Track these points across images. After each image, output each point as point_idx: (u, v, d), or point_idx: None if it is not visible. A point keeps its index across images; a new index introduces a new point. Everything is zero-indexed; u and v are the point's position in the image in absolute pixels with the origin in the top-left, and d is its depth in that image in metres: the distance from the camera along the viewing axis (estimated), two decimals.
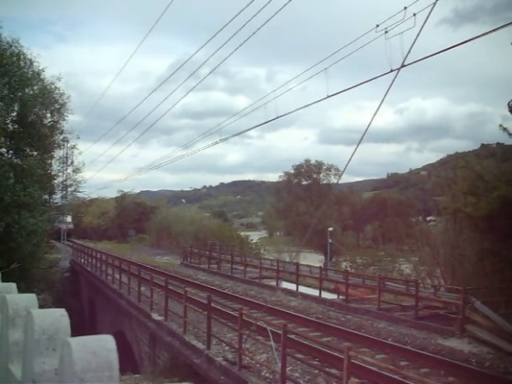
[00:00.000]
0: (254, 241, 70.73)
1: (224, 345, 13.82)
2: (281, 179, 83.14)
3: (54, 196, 44.04)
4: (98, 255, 34.89)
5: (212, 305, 14.51)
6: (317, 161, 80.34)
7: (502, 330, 14.29)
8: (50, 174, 37.55)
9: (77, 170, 44.45)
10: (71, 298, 37.20)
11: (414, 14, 9.61)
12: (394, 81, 7.97)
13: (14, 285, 7.85)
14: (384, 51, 9.95)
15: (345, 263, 51.65)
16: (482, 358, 13.37)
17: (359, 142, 9.91)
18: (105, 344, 3.78)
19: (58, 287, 38.04)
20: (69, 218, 70.31)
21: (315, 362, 12.11)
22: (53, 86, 34.46)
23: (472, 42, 8.59)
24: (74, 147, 42.08)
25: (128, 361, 18.58)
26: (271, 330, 11.34)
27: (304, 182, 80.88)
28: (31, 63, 32.36)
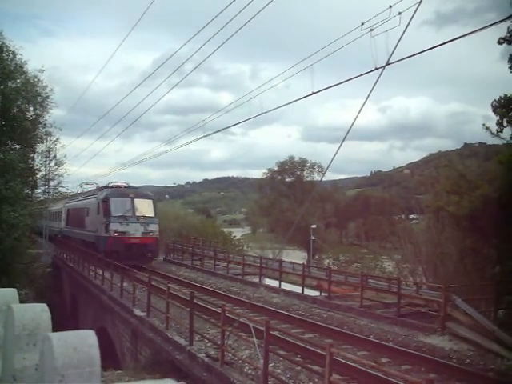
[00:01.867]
0: (237, 237, 70.70)
1: (206, 341, 13.80)
2: (264, 176, 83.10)
3: (36, 190, 43.66)
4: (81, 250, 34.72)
5: (194, 301, 14.47)
6: (300, 158, 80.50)
7: (483, 328, 14.42)
8: (32, 168, 37.25)
9: (59, 164, 44.11)
10: (53, 293, 36.92)
11: (400, 13, 9.64)
12: (378, 79, 7.99)
13: None
14: (369, 49, 9.98)
15: (328, 260, 51.93)
16: (463, 354, 13.47)
17: (343, 140, 9.93)
18: (86, 340, 3.75)
19: (40, 282, 37.78)
20: (148, 208, 33.18)
21: (297, 359, 12.13)
22: (36, 79, 34.16)
23: (454, 43, 8.64)
24: (56, 140, 41.70)
25: (110, 357, 18.49)
26: (254, 327, 11.34)
27: (287, 179, 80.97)
28: (14, 55, 32.02)
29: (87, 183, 48.32)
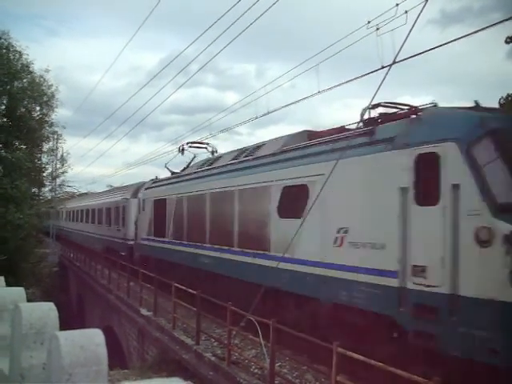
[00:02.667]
0: None
1: (213, 340, 13.80)
2: None
3: (43, 189, 43.63)
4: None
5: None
6: None
7: None
8: (38, 167, 37.26)
9: (63, 161, 43.95)
10: (60, 292, 37.07)
11: (406, 12, 9.64)
12: (385, 77, 7.95)
13: (1, 278, 7.78)
14: (375, 48, 9.95)
15: None
16: None
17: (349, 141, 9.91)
18: (93, 338, 3.74)
19: (47, 282, 37.87)
20: None
21: (304, 358, 12.09)
22: (42, 79, 34.19)
23: (459, 42, 8.58)
24: (60, 136, 41.46)
25: (116, 356, 18.52)
26: (260, 327, 11.31)
27: None
28: (20, 55, 32.07)
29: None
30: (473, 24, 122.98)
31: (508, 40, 18.61)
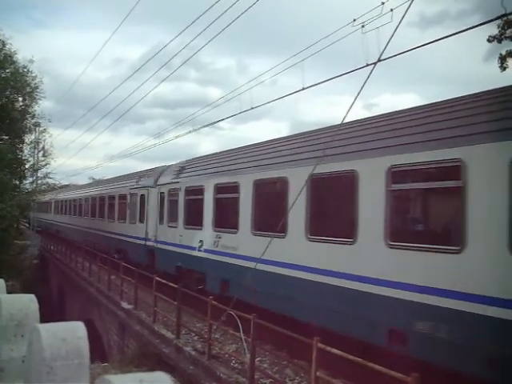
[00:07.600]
0: None
1: (193, 334, 13.81)
2: None
3: (25, 181, 43.25)
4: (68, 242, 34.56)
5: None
6: None
7: None
8: (20, 158, 36.94)
9: (47, 154, 43.59)
10: (40, 285, 36.75)
11: (391, 10, 9.69)
12: (370, 75, 8.01)
13: None
14: (360, 46, 10.00)
15: None
16: None
17: (334, 137, 9.98)
18: (75, 331, 3.72)
19: (27, 274, 37.59)
20: None
21: (284, 354, 12.15)
22: (25, 69, 33.88)
23: (438, 44, 8.72)
24: (44, 130, 41.18)
25: (96, 349, 18.43)
26: (241, 321, 11.36)
27: None
28: (4, 45, 31.79)
29: None
30: (451, 27, 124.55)
31: (490, 39, 18.92)
